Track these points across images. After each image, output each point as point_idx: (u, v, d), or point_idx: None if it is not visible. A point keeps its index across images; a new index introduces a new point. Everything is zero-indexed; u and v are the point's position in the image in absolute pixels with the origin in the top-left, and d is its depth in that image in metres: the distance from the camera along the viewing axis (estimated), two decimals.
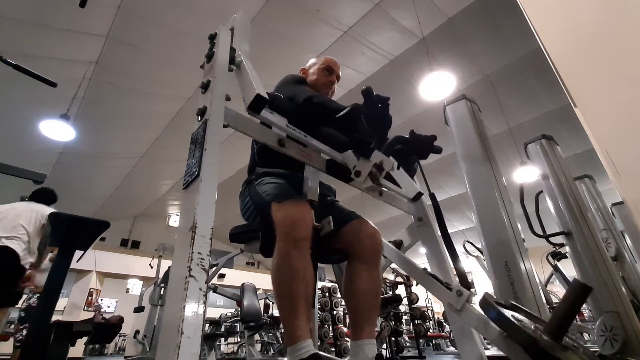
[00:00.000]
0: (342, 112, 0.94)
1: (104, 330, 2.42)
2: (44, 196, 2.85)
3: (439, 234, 1.25)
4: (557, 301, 5.06)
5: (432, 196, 1.20)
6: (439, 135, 1.21)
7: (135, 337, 7.37)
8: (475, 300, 0.91)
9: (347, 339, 4.57)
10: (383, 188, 1.11)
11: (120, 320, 3.09)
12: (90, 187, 8.58)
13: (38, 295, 2.92)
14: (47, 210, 2.67)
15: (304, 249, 0.90)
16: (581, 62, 1.23)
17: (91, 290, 9.26)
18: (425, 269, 1.12)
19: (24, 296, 2.90)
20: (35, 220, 2.45)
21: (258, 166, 1.26)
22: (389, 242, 1.28)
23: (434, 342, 7.43)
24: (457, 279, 0.98)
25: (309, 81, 1.42)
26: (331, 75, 1.42)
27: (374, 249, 1.07)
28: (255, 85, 0.77)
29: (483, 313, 0.81)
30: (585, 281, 2.32)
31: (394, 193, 1.18)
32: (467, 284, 0.95)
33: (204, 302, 0.57)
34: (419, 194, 1.17)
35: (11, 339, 3.62)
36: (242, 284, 4.40)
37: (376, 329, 2.47)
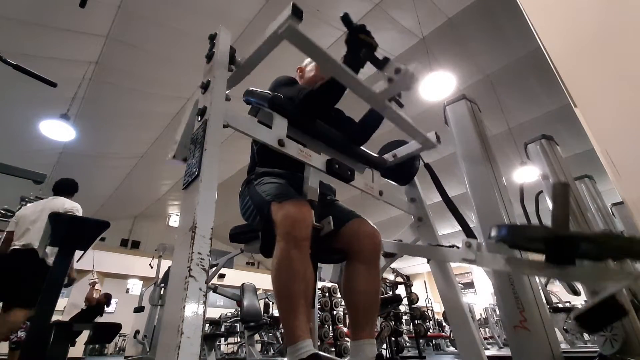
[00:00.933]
0: (344, 56, 0.95)
1: (104, 330, 2.42)
2: (66, 187, 3.06)
3: (439, 233, 1.25)
4: (557, 301, 5.07)
5: (428, 166, 1.32)
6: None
7: (135, 337, 7.37)
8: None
9: (347, 339, 4.57)
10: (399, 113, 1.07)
11: (106, 297, 3.12)
12: (90, 187, 8.57)
13: None
14: (69, 203, 2.90)
15: (304, 249, 0.90)
16: (581, 62, 1.23)
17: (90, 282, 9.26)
18: (429, 244, 1.14)
19: None
20: None
21: (258, 166, 1.26)
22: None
23: (434, 342, 7.44)
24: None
25: (306, 78, 1.42)
26: None
27: (374, 249, 1.07)
28: None
29: (496, 253, 0.84)
30: None
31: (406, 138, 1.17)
32: (472, 233, 0.98)
33: (204, 302, 0.57)
34: (437, 135, 1.17)
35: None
36: (242, 284, 4.40)
37: (376, 329, 2.47)
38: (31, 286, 2.37)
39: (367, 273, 1.04)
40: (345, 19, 0.93)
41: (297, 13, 0.76)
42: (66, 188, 3.07)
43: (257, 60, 0.85)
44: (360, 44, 0.95)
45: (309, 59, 1.50)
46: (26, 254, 2.52)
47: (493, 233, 0.67)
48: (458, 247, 0.99)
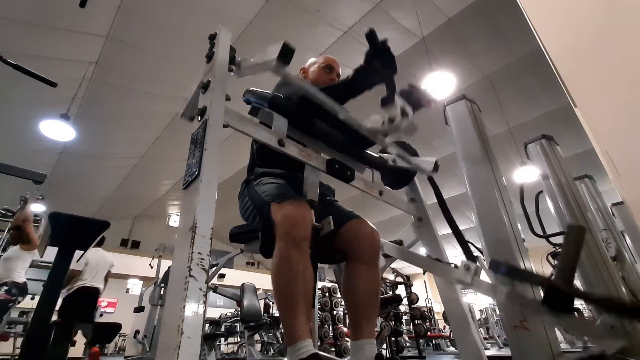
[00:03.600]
0: (355, 70, 0.93)
1: (104, 330, 2.43)
2: (102, 240, 4.06)
3: (439, 233, 1.25)
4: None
5: (431, 179, 1.29)
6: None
7: (135, 337, 7.37)
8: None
9: (347, 339, 4.57)
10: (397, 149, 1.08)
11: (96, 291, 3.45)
12: (90, 187, 8.58)
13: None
14: (109, 255, 4.37)
15: (303, 249, 0.90)
16: (581, 62, 1.23)
17: None
18: (429, 256, 1.13)
19: None
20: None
21: (257, 166, 1.26)
22: (389, 242, 1.28)
23: (434, 342, 7.44)
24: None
25: (309, 79, 1.43)
26: (331, 73, 1.43)
27: (373, 249, 1.07)
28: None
29: (491, 282, 0.84)
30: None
31: (405, 162, 1.18)
32: (472, 257, 0.97)
33: (204, 302, 0.57)
34: (437, 164, 1.18)
35: (11, 339, 3.64)
36: (242, 284, 4.40)
37: (376, 329, 2.47)
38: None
39: (367, 273, 1.04)
40: (370, 34, 0.89)
41: (284, 57, 0.76)
42: (102, 241, 4.07)
43: (253, 71, 0.86)
44: (374, 70, 0.93)
45: (312, 60, 1.50)
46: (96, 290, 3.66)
47: (492, 268, 0.67)
48: (457, 266, 0.99)
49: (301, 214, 0.92)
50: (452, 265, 1.02)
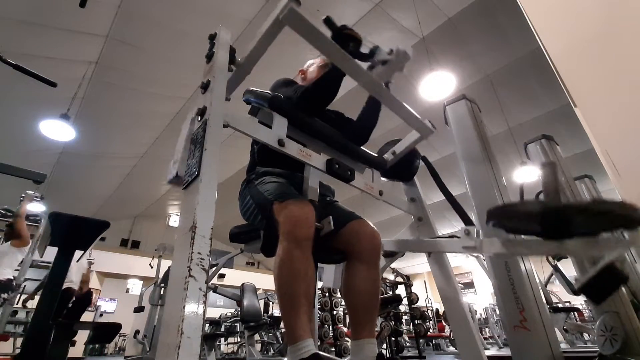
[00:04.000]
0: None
1: (104, 330, 2.43)
2: None
3: (439, 233, 1.25)
4: (557, 301, 5.06)
5: (424, 158, 1.33)
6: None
7: (135, 337, 7.37)
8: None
9: (347, 338, 4.57)
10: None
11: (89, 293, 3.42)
12: (90, 187, 8.57)
13: None
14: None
15: (306, 249, 0.90)
16: (581, 62, 1.23)
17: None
18: (430, 238, 1.14)
19: None
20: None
21: (258, 166, 1.26)
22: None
23: (434, 342, 7.44)
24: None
25: (308, 80, 1.43)
26: None
27: (374, 249, 1.07)
28: None
29: (496, 237, 0.84)
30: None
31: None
32: (469, 221, 0.97)
33: (204, 302, 0.57)
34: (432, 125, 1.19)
35: (10, 339, 3.62)
36: (242, 284, 4.40)
37: (376, 329, 2.47)
38: None
39: (367, 273, 1.04)
40: (328, 21, 0.97)
41: None
42: None
43: (258, 54, 0.85)
44: (346, 38, 0.97)
45: (310, 61, 1.50)
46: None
47: (490, 212, 0.67)
48: (458, 237, 0.98)
49: (304, 214, 0.92)
50: (454, 238, 1.01)
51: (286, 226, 0.90)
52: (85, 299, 3.58)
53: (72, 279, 3.89)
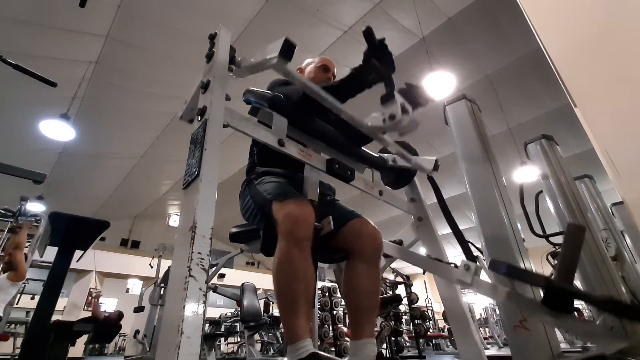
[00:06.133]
0: (354, 69, 0.91)
1: (104, 329, 2.42)
2: None
3: (439, 233, 1.25)
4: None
5: (431, 179, 1.31)
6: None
7: (135, 337, 7.37)
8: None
9: (347, 338, 4.57)
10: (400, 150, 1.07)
11: (119, 316, 3.18)
12: (90, 187, 8.57)
13: None
14: None
15: (305, 249, 0.90)
16: (581, 62, 1.23)
17: (91, 290, 9.26)
18: (428, 255, 1.13)
19: None
20: None
21: (257, 166, 1.26)
22: (389, 241, 1.28)
23: (434, 342, 7.44)
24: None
25: (306, 78, 1.43)
26: (327, 73, 1.44)
27: (375, 248, 1.07)
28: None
29: (491, 282, 0.84)
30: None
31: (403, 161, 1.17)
32: (472, 257, 0.97)
33: (204, 302, 0.57)
34: (437, 164, 1.18)
35: (10, 339, 3.57)
36: (242, 284, 4.40)
37: (376, 329, 2.47)
38: None
39: (368, 273, 1.04)
40: (368, 33, 0.85)
41: (286, 53, 0.73)
42: None
43: (253, 70, 0.85)
44: (372, 69, 0.91)
45: (308, 60, 1.50)
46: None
47: (492, 268, 0.67)
48: (457, 266, 0.99)
49: (303, 213, 0.92)
50: (452, 265, 1.02)
51: (285, 226, 0.90)
52: (115, 326, 3.45)
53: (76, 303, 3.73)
